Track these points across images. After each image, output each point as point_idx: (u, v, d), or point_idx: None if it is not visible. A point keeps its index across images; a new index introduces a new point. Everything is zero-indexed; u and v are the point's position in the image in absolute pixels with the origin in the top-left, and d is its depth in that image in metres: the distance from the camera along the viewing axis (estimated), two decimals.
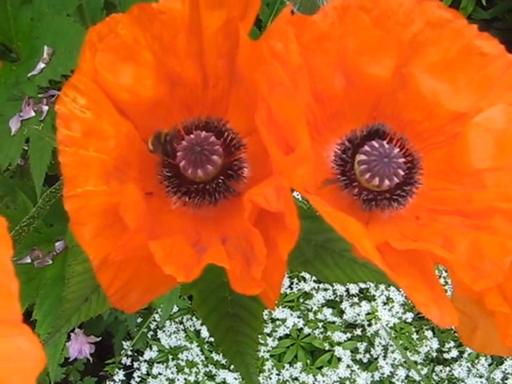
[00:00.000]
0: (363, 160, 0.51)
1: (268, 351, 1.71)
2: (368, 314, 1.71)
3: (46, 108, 1.05)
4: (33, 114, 1.04)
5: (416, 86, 0.53)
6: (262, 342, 1.71)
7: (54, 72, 0.83)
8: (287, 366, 1.69)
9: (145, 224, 0.46)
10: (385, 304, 1.71)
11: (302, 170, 0.43)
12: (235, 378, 1.69)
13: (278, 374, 1.68)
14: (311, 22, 0.49)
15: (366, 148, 0.52)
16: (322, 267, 0.66)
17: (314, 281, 1.73)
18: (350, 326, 1.75)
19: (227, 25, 0.51)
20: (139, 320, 1.79)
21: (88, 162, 0.46)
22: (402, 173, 0.51)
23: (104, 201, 0.45)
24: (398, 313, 1.69)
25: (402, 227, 0.53)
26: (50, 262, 1.15)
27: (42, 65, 0.74)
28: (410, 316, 1.71)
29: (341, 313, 1.74)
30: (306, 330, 1.72)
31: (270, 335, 1.72)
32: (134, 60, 0.50)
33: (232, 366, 1.71)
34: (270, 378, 1.67)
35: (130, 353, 1.82)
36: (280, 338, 1.73)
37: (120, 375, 1.78)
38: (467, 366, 1.69)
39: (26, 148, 1.14)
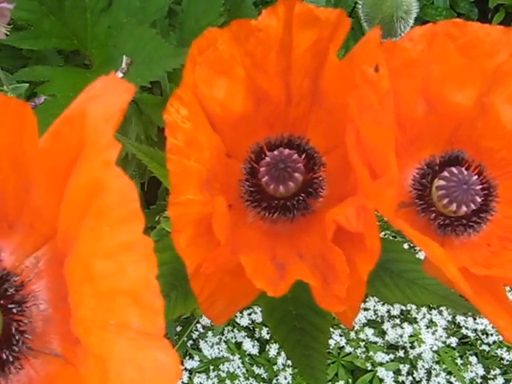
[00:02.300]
0: (442, 185, 0.52)
1: None
2: (410, 336, 1.70)
3: None
4: None
5: (496, 116, 0.54)
6: None
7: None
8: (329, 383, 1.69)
9: (229, 237, 0.48)
10: (428, 327, 1.70)
11: (389, 194, 0.44)
12: None
13: None
14: (402, 48, 0.50)
15: (445, 174, 0.53)
16: (382, 287, 0.66)
17: None
18: (392, 347, 1.74)
19: (316, 45, 0.53)
20: (178, 329, 1.80)
21: (189, 171, 0.47)
22: (479, 200, 0.52)
23: (198, 210, 0.47)
24: (441, 337, 1.68)
25: (474, 254, 0.54)
26: None
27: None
28: (454, 340, 1.70)
29: (382, 333, 1.73)
30: (348, 349, 1.71)
31: None
32: (228, 75, 0.52)
33: (273, 381, 1.72)
34: None
35: None
36: None
37: None
38: None
39: None
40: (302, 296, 0.64)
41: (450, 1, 1.75)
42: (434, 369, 1.68)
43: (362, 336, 1.71)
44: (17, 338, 0.38)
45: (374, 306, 1.73)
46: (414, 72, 0.51)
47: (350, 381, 1.70)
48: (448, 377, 1.67)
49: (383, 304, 1.73)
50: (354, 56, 0.52)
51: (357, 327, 1.72)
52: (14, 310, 0.38)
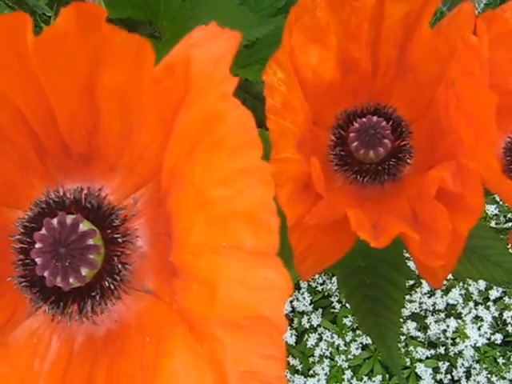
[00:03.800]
0: None
1: (347, 360, 1.71)
2: (454, 332, 1.70)
3: None
4: None
5: None
6: (346, 349, 1.71)
7: None
8: (365, 378, 1.69)
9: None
10: (473, 323, 1.69)
11: (494, 152, 0.45)
12: None
13: None
14: (503, 18, 0.51)
15: None
16: None
17: None
18: (431, 344, 1.73)
19: (407, 16, 0.54)
20: None
21: (286, 131, 0.48)
22: None
23: (297, 169, 0.48)
24: (486, 333, 1.67)
25: None
26: None
27: None
28: (499, 337, 1.69)
29: (424, 328, 1.73)
30: None
31: (350, 343, 1.72)
32: (322, 42, 0.53)
33: (310, 372, 1.72)
34: None
35: None
36: (357, 348, 1.73)
37: None
38: None
39: None
40: (377, 266, 0.65)
41: None
42: (474, 368, 1.67)
43: (403, 329, 1.71)
44: (119, 267, 0.40)
45: (420, 299, 1.72)
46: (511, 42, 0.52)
47: (387, 376, 1.70)
48: (489, 376, 1.66)
49: (429, 296, 1.73)
50: (443, 27, 0.53)
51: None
52: (120, 240, 0.40)
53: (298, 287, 1.75)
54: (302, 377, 1.72)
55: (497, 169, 0.45)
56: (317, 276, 1.76)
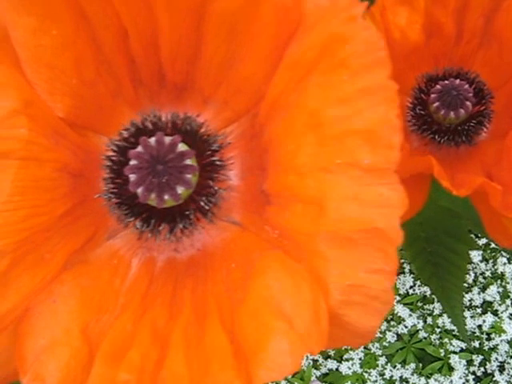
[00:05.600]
0: None
1: (381, 347, 1.72)
2: (490, 327, 1.70)
3: None
4: None
5: None
6: (381, 336, 1.72)
7: None
8: (398, 365, 1.70)
9: None
10: (510, 319, 1.70)
11: None
12: (349, 368, 1.70)
13: (391, 371, 1.69)
14: None
15: None
16: None
17: None
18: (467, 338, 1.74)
19: None
20: None
21: None
22: None
23: None
24: None
25: None
26: None
27: None
28: None
29: None
30: (422, 335, 1.72)
31: (385, 332, 1.73)
32: (410, 5, 0.55)
33: (344, 356, 1.73)
34: (383, 375, 1.69)
35: None
36: (393, 336, 1.74)
37: None
38: None
39: None
40: (437, 236, 0.66)
41: None
42: (508, 363, 1.67)
43: (438, 322, 1.71)
44: (214, 191, 0.39)
45: None
46: None
47: (421, 366, 1.71)
48: None
49: (466, 292, 1.73)
50: None
51: (436, 312, 1.72)
52: (216, 165, 0.39)
53: None
54: (335, 361, 1.74)
55: None
56: None
